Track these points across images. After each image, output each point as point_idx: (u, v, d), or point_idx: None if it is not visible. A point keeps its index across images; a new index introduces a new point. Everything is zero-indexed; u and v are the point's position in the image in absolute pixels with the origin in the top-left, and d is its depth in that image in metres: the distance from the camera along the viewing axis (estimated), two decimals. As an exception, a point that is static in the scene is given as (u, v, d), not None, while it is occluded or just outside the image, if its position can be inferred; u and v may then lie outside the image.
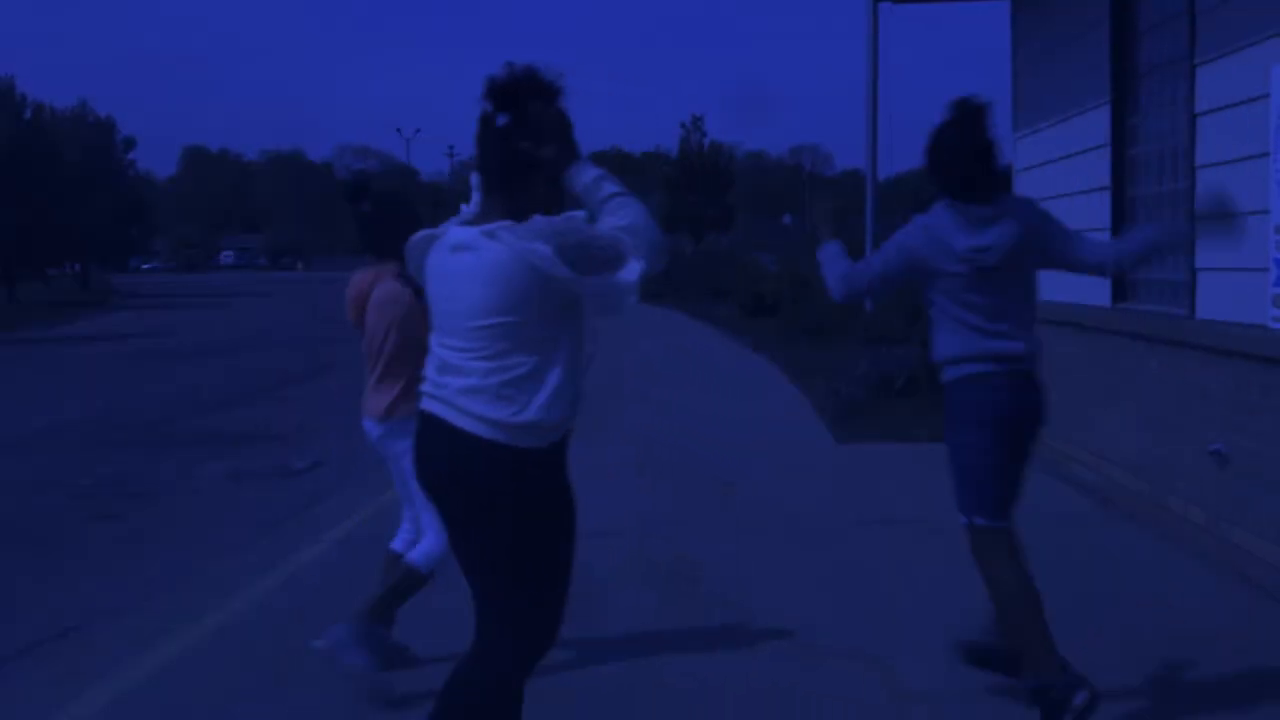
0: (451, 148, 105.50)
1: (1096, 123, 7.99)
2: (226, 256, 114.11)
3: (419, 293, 4.47)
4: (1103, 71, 7.82)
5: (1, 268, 48.31)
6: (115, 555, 7.47)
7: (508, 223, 3.14)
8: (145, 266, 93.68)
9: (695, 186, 47.50)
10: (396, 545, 5.14)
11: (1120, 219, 7.75)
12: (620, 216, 3.15)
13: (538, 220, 3.13)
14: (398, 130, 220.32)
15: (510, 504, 3.21)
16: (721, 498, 8.42)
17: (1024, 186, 9.90)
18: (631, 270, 3.12)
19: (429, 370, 3.30)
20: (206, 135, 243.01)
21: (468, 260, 3.16)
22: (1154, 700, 4.60)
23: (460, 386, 3.18)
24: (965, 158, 4.30)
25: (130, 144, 68.07)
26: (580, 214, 3.22)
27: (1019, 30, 9.89)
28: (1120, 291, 7.78)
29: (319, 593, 6.25)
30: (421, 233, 3.37)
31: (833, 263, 4.56)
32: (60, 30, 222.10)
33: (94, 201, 56.05)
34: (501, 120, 3.28)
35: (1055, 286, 9.06)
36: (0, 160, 46.15)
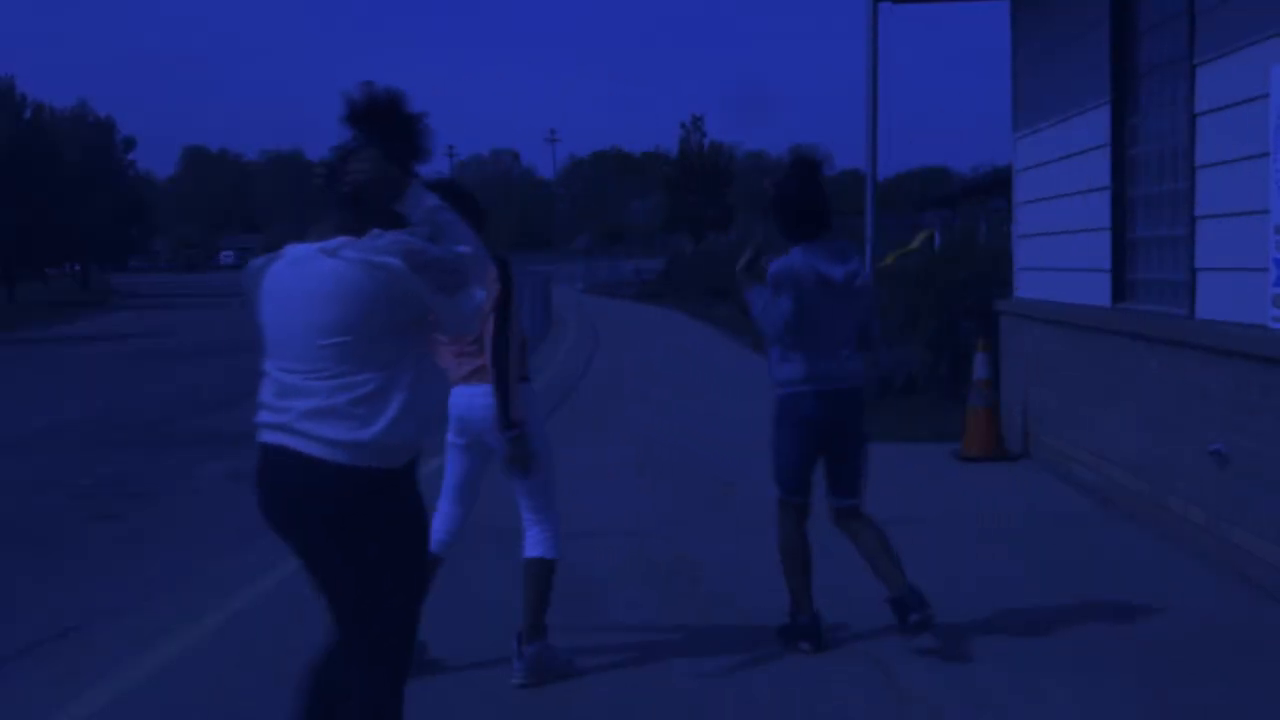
0: (451, 148, 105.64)
1: (1096, 123, 7.99)
2: (226, 256, 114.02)
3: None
4: (1103, 71, 7.82)
5: (1, 268, 48.29)
6: (115, 555, 7.47)
7: (348, 239, 3.13)
8: (134, 265, 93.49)
9: (695, 186, 47.49)
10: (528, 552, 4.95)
11: (1120, 219, 7.75)
12: (460, 243, 3.17)
13: (382, 236, 3.11)
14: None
15: (368, 527, 3.17)
16: (721, 498, 8.42)
17: (1024, 186, 9.90)
18: (475, 294, 3.17)
19: (265, 397, 3.23)
20: (206, 135, 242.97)
21: (309, 279, 3.14)
22: (1154, 700, 4.60)
23: (305, 409, 3.12)
24: (811, 203, 5.16)
25: (130, 144, 68.07)
26: (413, 235, 3.21)
27: (1019, 30, 9.89)
28: (1120, 291, 7.78)
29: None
30: (260, 258, 3.34)
31: (769, 307, 5.18)
32: (60, 30, 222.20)
33: (94, 201, 56.03)
34: (339, 143, 3.30)
35: (1055, 287, 9.06)
36: (0, 160, 46.14)
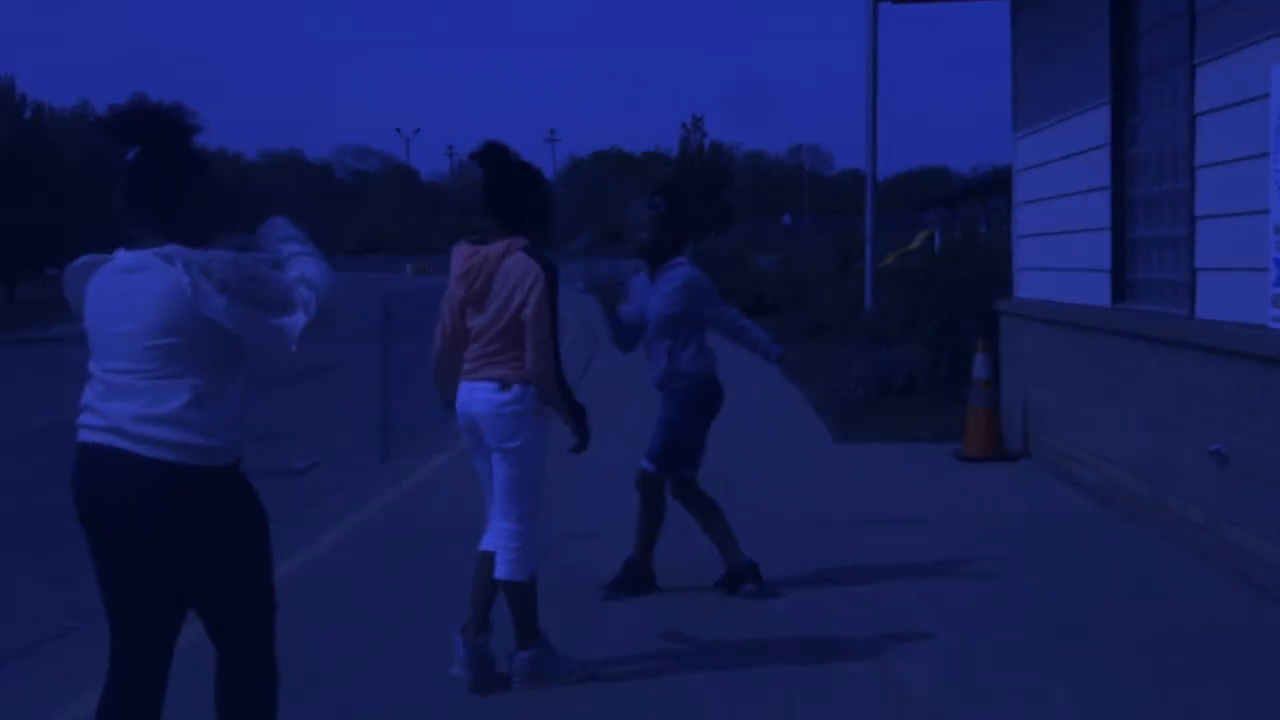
0: (451, 148, 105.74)
1: (1096, 122, 7.99)
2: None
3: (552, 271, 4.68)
4: (1103, 71, 7.82)
5: (1, 268, 48.27)
6: (115, 555, 7.45)
7: (181, 247, 3.18)
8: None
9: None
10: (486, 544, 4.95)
11: (1120, 218, 7.75)
12: (304, 269, 3.27)
13: (214, 250, 3.19)
14: (398, 130, 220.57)
15: (204, 526, 3.22)
16: (721, 497, 8.40)
17: (1024, 186, 9.90)
18: (297, 319, 3.20)
19: (90, 399, 3.24)
20: (206, 135, 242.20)
21: (141, 281, 3.18)
22: (1154, 700, 4.60)
23: (133, 412, 3.16)
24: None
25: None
26: (263, 254, 3.32)
27: (1019, 30, 9.89)
28: (1120, 291, 7.78)
29: (318, 593, 6.24)
30: (83, 258, 3.37)
31: (722, 307, 6.38)
32: (60, 30, 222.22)
33: (94, 202, 56.01)
34: (134, 153, 3.32)
35: (1055, 287, 9.06)
36: (0, 160, 46.14)
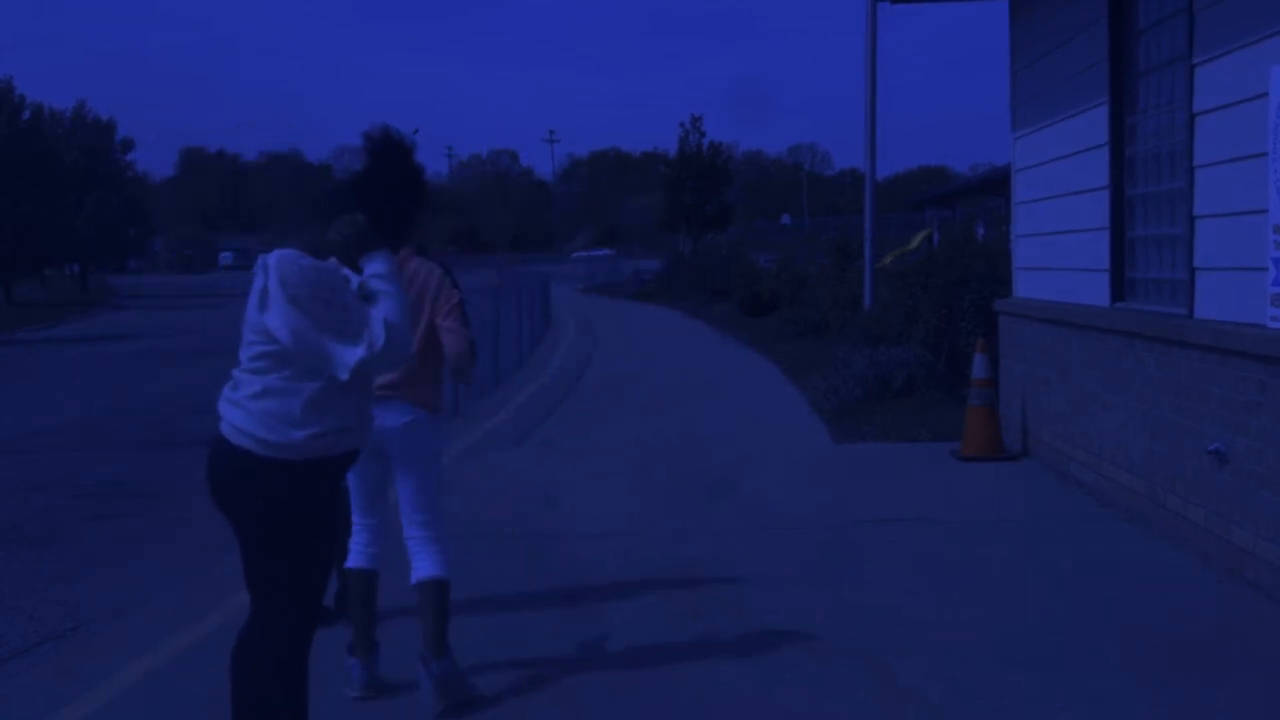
0: (450, 148, 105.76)
1: (1095, 122, 8.00)
2: (225, 257, 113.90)
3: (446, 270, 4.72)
4: (1101, 70, 7.82)
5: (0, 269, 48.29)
6: (115, 555, 7.47)
7: (276, 254, 3.52)
8: (133, 266, 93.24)
9: (694, 186, 47.42)
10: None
11: (1119, 218, 7.75)
12: (387, 311, 3.54)
13: (308, 265, 3.51)
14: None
15: (249, 508, 3.56)
16: (721, 498, 8.42)
17: (1023, 186, 9.91)
18: (356, 352, 3.45)
19: (225, 387, 3.66)
20: (205, 136, 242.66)
21: (254, 283, 3.55)
22: (1153, 699, 4.60)
23: (224, 393, 3.59)
24: None
25: (128, 145, 68.03)
26: (353, 277, 3.63)
27: (1018, 29, 9.90)
28: (1119, 291, 7.78)
29: (319, 593, 6.24)
30: (263, 256, 3.68)
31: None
32: (60, 31, 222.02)
33: (92, 202, 56.05)
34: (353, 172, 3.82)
35: (1054, 286, 9.07)
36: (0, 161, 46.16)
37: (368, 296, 3.56)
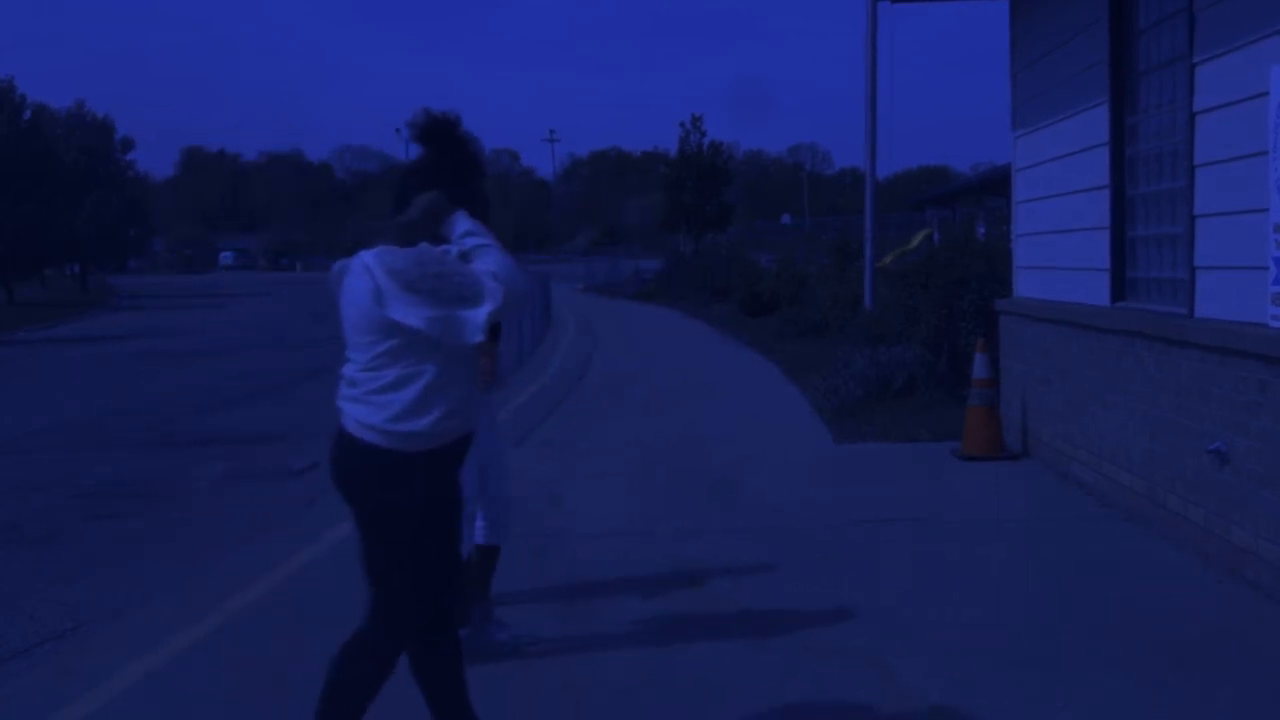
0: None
1: (1095, 121, 7.99)
2: (225, 257, 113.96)
3: None
4: (1101, 70, 7.82)
5: (0, 269, 48.30)
6: (115, 555, 7.46)
7: (377, 251, 3.58)
8: (133, 266, 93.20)
9: (694, 186, 47.43)
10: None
11: (1119, 217, 7.75)
12: (488, 262, 3.56)
13: (407, 252, 3.55)
14: (397, 131, 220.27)
15: (358, 499, 3.65)
16: (721, 497, 8.42)
17: (1023, 185, 9.91)
18: (481, 310, 3.49)
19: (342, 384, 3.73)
20: (205, 136, 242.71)
21: (351, 284, 3.63)
22: (1153, 700, 4.60)
23: (348, 395, 3.64)
24: None
25: (128, 145, 68.05)
26: (453, 249, 3.65)
27: (1018, 29, 9.89)
28: (1119, 290, 7.78)
29: (318, 593, 6.25)
30: (339, 262, 3.77)
31: None
32: (60, 31, 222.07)
33: (92, 202, 56.05)
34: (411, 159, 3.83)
35: (1054, 285, 9.07)
36: (0, 161, 46.16)
37: (466, 256, 3.60)
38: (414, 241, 3.61)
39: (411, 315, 3.47)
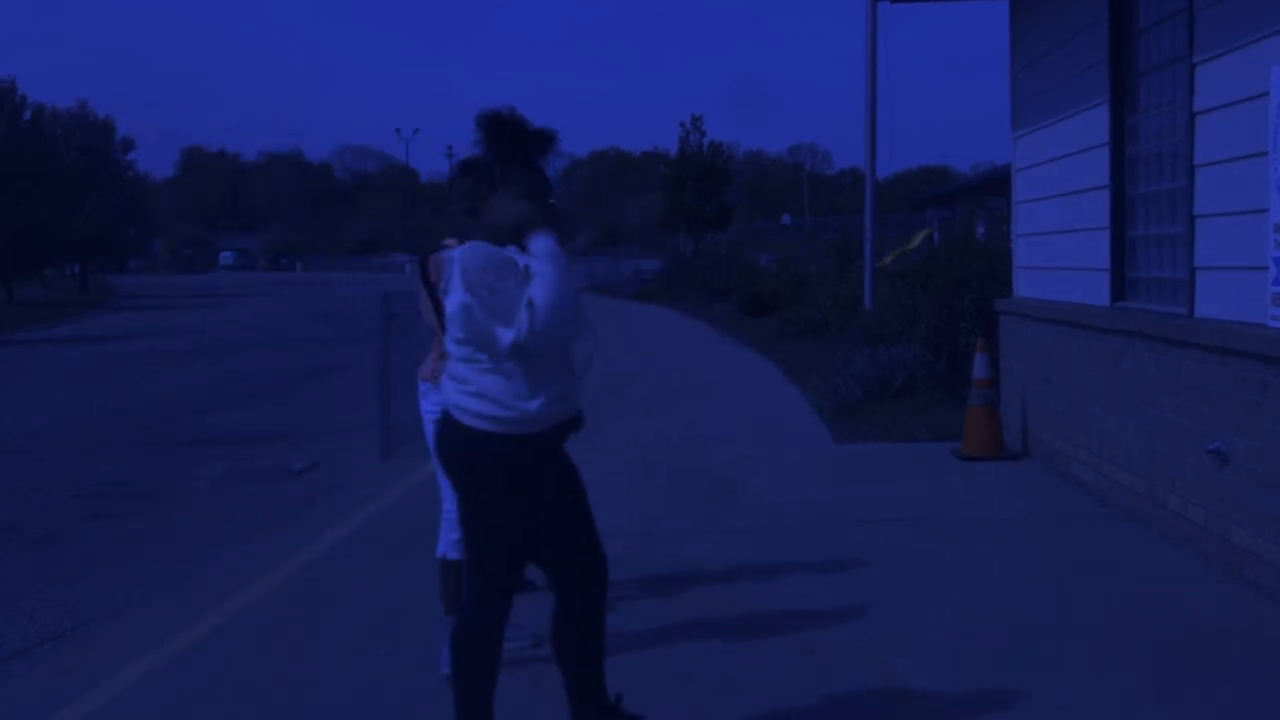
0: (450, 148, 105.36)
1: (1095, 121, 7.99)
2: (225, 257, 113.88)
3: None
4: (1101, 70, 7.82)
5: (0, 269, 48.28)
6: (115, 555, 7.47)
7: (473, 245, 3.78)
8: (133, 266, 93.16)
9: (694, 186, 47.40)
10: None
11: (1119, 217, 7.75)
12: (537, 292, 3.64)
13: (487, 254, 3.72)
14: (397, 131, 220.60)
15: (478, 481, 3.80)
16: (721, 497, 8.42)
17: (1023, 185, 9.91)
18: (506, 335, 3.65)
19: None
20: (205, 136, 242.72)
21: (447, 274, 3.83)
22: (1153, 699, 4.60)
23: (455, 388, 3.81)
24: None
25: (129, 145, 68.03)
26: (521, 258, 3.75)
27: (1018, 29, 9.89)
28: (1119, 290, 7.78)
29: (318, 593, 6.25)
30: (445, 253, 4.07)
31: None
32: (60, 30, 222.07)
33: (92, 202, 56.05)
34: (485, 161, 3.98)
35: (1054, 285, 9.07)
36: (1, 161, 46.15)
37: (529, 275, 3.73)
38: (504, 244, 3.79)
39: (450, 303, 3.72)
